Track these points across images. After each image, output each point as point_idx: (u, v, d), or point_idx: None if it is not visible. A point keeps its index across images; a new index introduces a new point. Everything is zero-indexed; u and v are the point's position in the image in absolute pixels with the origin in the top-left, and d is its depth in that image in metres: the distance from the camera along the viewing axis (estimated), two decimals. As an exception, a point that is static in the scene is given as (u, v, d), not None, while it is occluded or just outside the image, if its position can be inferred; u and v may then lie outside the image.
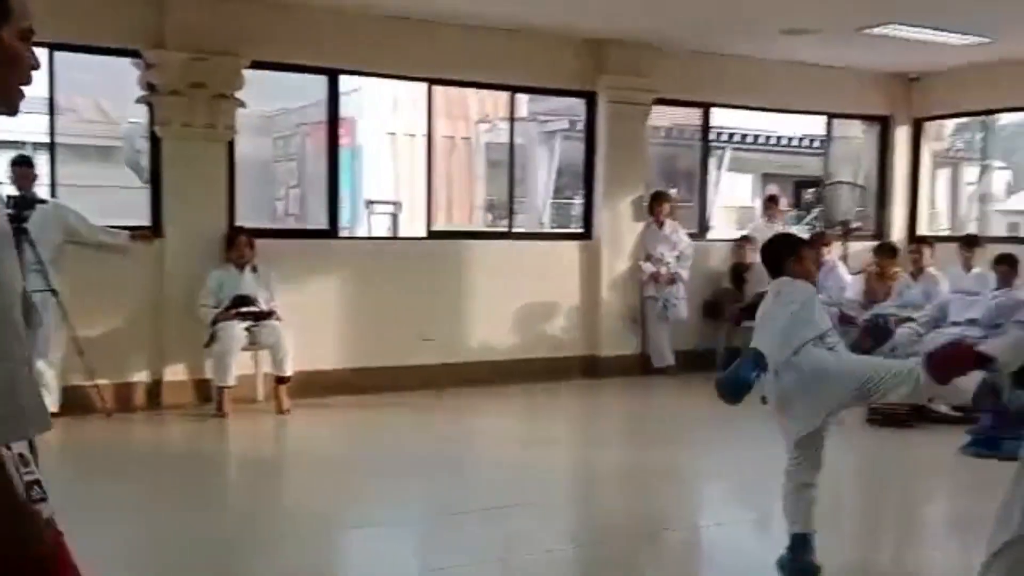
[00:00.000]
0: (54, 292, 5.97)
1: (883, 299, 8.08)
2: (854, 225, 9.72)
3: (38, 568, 1.41)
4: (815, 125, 10.99)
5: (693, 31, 8.03)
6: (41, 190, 6.52)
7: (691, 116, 9.74)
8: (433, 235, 8.23)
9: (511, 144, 8.84)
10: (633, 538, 4.45)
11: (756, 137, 15.12)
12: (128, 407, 6.69)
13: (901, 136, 10.21)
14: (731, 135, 14.55)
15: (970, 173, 14.22)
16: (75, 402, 6.25)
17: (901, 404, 5.88)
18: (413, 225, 11.55)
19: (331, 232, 7.73)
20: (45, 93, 6.53)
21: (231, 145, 7.13)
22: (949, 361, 3.08)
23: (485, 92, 11.55)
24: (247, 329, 6.68)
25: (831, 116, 10.21)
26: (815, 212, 10.22)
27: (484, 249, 8.24)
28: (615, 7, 7.26)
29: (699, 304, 9.00)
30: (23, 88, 1.50)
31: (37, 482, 1.46)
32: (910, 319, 7.64)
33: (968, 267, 7.87)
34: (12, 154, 6.63)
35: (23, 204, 5.92)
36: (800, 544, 3.72)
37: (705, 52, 8.68)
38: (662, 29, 7.91)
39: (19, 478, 1.40)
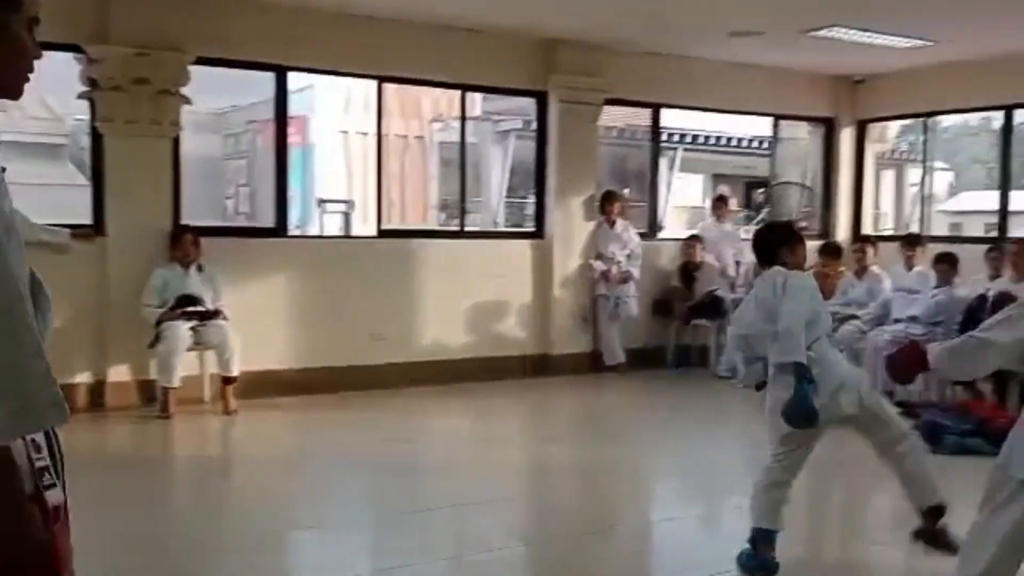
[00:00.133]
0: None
1: (828, 297, 8.20)
2: (801, 225, 9.87)
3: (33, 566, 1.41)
4: (764, 126, 11.15)
5: (643, 32, 8.10)
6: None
7: (643, 116, 9.83)
8: (384, 234, 8.19)
9: (463, 143, 8.83)
10: (584, 535, 4.47)
11: (707, 138, 15.30)
12: (70, 408, 6.51)
13: (846, 137, 10.40)
14: (682, 136, 14.70)
15: (914, 174, 14.53)
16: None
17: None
18: (366, 224, 11.48)
19: (279, 231, 7.65)
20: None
21: (176, 142, 7.03)
22: (906, 362, 3.15)
23: (439, 91, 11.53)
24: (192, 329, 6.59)
25: (777, 117, 10.38)
26: (765, 212, 10.37)
27: (435, 248, 8.23)
28: (565, 7, 7.29)
29: (649, 302, 9.09)
30: (28, 75, 1.53)
31: (47, 468, 1.48)
32: (854, 317, 7.80)
33: (910, 266, 8.04)
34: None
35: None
36: (764, 539, 3.74)
37: (655, 53, 8.76)
38: (613, 30, 7.97)
39: (29, 466, 1.43)
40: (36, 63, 1.53)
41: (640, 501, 5.39)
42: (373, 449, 6.03)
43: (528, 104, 8.84)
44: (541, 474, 5.83)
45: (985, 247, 7.91)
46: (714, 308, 8.93)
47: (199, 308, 6.67)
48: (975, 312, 7.06)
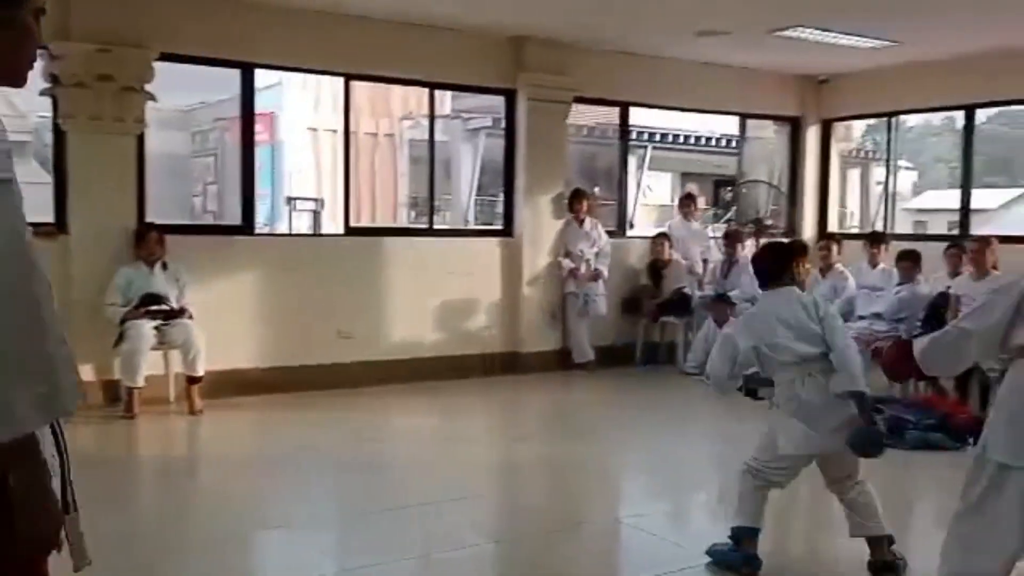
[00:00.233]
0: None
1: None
2: (767, 223, 9.97)
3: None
4: (731, 125, 11.25)
5: (612, 31, 8.13)
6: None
7: (613, 115, 9.87)
8: (351, 232, 8.16)
9: (431, 141, 8.82)
10: (553, 532, 4.47)
11: (676, 137, 15.41)
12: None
13: (811, 136, 10.51)
14: (651, 134, 14.80)
15: (879, 173, 14.72)
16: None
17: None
18: (335, 222, 11.45)
19: (246, 229, 7.59)
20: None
21: (141, 139, 6.95)
22: (896, 359, 3.19)
23: (409, 89, 11.50)
24: (156, 328, 6.52)
25: (744, 116, 10.47)
26: (733, 211, 10.47)
27: (403, 246, 8.20)
28: (534, 5, 7.30)
29: (618, 300, 9.13)
30: (32, 63, 1.61)
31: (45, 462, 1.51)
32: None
33: (874, 264, 8.15)
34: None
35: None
36: (748, 536, 3.79)
37: (624, 52, 8.80)
38: (581, 28, 7.99)
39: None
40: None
41: (609, 498, 5.40)
42: (341, 448, 6.00)
43: (498, 102, 8.84)
44: (510, 472, 5.83)
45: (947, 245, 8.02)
46: (682, 306, 9.00)
47: (163, 307, 6.61)
48: (937, 308, 7.18)
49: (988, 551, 2.72)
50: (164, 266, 6.74)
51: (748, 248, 9.22)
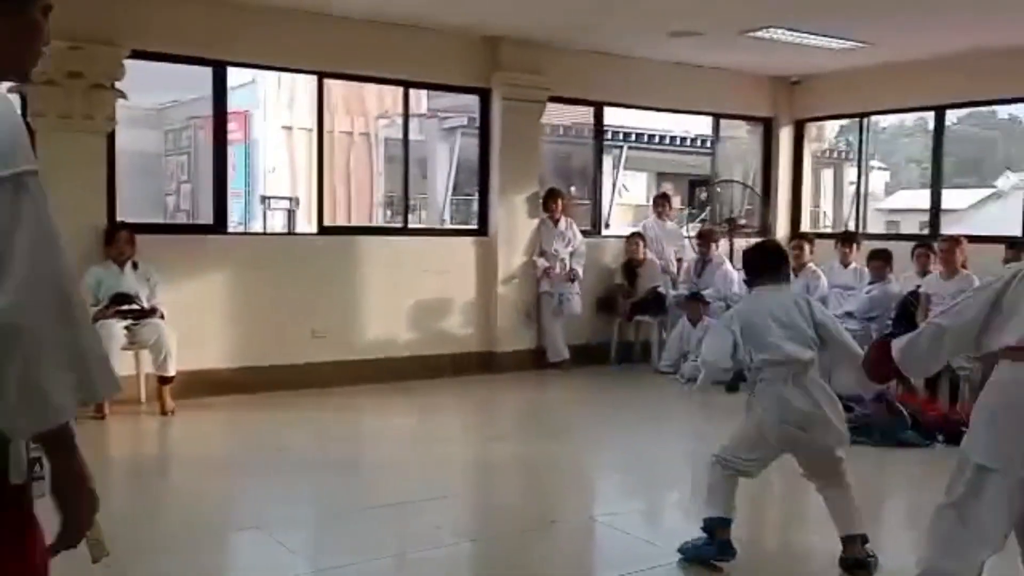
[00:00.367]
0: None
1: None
2: (740, 222, 10.03)
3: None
4: (706, 125, 11.31)
5: (586, 31, 8.15)
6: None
7: (588, 115, 9.89)
8: (325, 231, 8.12)
9: (405, 140, 8.80)
10: (528, 531, 4.48)
11: (652, 137, 15.47)
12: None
13: (784, 137, 10.59)
14: (627, 134, 14.84)
15: (852, 173, 14.86)
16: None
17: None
18: (310, 222, 11.38)
19: (218, 228, 7.54)
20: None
21: (112, 137, 6.89)
22: (876, 361, 3.21)
23: (386, 87, 11.46)
24: (127, 328, 6.46)
25: (717, 117, 10.53)
26: (707, 211, 10.54)
27: (378, 246, 8.17)
28: (508, 5, 7.30)
29: (593, 300, 9.15)
30: (38, 58, 1.64)
31: (39, 460, 1.54)
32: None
33: (845, 263, 8.24)
34: None
35: None
36: (721, 526, 3.82)
37: (598, 52, 8.82)
38: (555, 28, 8.00)
39: (26, 453, 1.51)
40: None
41: (583, 497, 5.41)
42: (314, 448, 5.98)
43: (474, 101, 8.83)
44: (484, 471, 5.83)
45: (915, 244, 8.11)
46: (656, 305, 9.04)
47: (134, 307, 6.55)
48: (908, 307, 7.26)
49: (961, 551, 2.74)
50: (135, 265, 6.68)
51: (722, 248, 9.30)
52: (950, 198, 9.96)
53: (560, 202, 8.89)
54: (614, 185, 14.70)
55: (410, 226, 9.07)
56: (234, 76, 7.82)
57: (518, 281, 8.69)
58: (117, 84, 6.75)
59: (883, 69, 9.18)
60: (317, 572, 3.97)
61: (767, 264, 4.00)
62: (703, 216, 10.74)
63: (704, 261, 9.09)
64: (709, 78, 9.67)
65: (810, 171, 10.97)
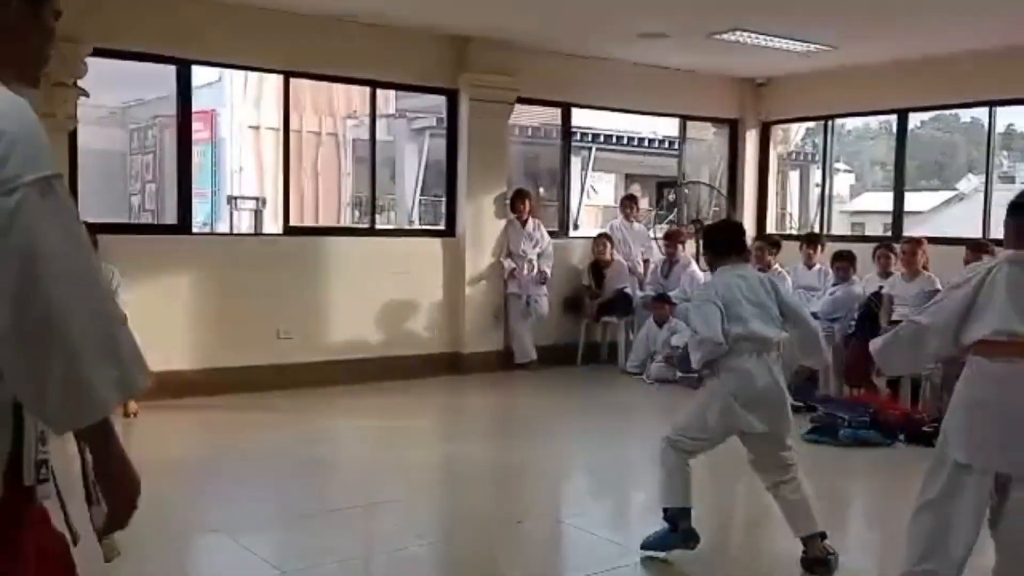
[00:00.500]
0: None
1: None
2: (707, 223, 10.08)
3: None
4: (673, 127, 11.37)
5: (554, 32, 8.16)
6: None
7: (556, 116, 9.90)
8: (290, 231, 8.07)
9: (372, 140, 8.76)
10: (493, 533, 4.49)
11: (620, 138, 15.51)
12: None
13: (750, 139, 10.68)
14: (595, 136, 14.87)
15: (818, 175, 15.01)
16: None
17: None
18: (277, 222, 11.29)
19: (183, 228, 7.46)
20: None
21: (73, 136, 6.79)
22: (855, 362, 3.25)
23: (354, 87, 11.40)
24: (89, 329, 6.36)
25: (684, 118, 10.58)
26: (674, 212, 10.60)
27: (345, 246, 8.13)
28: (476, 5, 7.29)
29: (560, 300, 9.17)
30: (47, 62, 1.67)
31: (46, 462, 1.61)
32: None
33: (810, 264, 8.32)
34: None
35: None
36: (682, 516, 3.86)
37: (566, 53, 8.84)
38: (524, 29, 8.01)
39: (34, 454, 1.57)
40: None
41: (550, 498, 5.41)
42: (280, 450, 5.93)
43: (443, 102, 8.81)
44: (451, 473, 5.82)
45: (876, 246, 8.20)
46: (623, 306, 9.07)
47: (96, 308, 6.44)
48: (871, 308, 7.34)
49: (942, 551, 2.77)
50: (96, 266, 6.57)
51: (688, 249, 9.35)
52: (913, 200, 10.11)
53: (528, 203, 8.90)
54: (583, 186, 14.73)
55: (377, 227, 9.02)
56: (200, 75, 7.75)
57: (486, 282, 8.69)
58: (79, 82, 6.66)
59: (848, 72, 9.29)
60: (283, 575, 3.94)
61: (732, 242, 4.04)
62: (670, 217, 10.80)
63: (671, 262, 9.14)
64: (676, 80, 9.73)
65: (776, 173, 11.08)
